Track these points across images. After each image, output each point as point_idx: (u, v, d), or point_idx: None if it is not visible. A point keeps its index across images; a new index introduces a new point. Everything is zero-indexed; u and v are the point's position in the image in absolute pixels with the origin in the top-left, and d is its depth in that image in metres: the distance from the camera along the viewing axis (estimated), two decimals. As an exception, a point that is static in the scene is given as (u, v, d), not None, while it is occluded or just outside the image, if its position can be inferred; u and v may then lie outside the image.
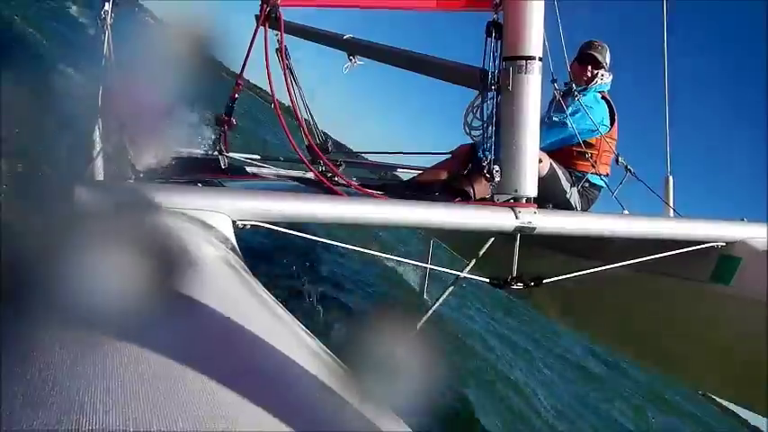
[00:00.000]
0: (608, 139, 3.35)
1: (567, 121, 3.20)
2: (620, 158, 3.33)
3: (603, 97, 3.41)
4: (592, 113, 3.26)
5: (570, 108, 3.23)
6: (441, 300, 2.65)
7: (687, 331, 2.72)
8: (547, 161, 3.09)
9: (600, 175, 3.33)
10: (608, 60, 3.42)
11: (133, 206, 1.41)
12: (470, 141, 2.90)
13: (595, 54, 3.37)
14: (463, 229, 2.28)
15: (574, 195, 3.26)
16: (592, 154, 3.28)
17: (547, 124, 3.15)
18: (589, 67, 3.37)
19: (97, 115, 2.25)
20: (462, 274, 2.48)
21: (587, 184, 3.33)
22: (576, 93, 3.28)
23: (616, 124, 3.43)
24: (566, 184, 3.22)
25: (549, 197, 3.09)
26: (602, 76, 3.38)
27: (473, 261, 2.51)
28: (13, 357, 0.61)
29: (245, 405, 0.68)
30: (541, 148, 2.99)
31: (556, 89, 3.18)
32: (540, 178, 2.57)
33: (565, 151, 3.29)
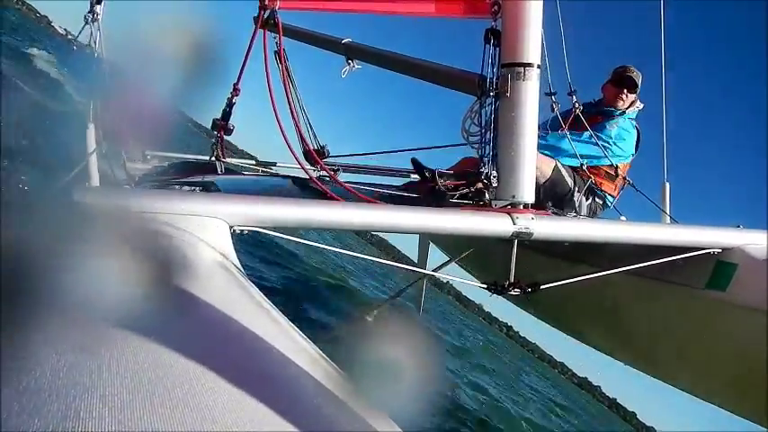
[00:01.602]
0: (628, 167, 3.48)
1: (610, 143, 3.33)
2: (618, 169, 3.39)
3: (636, 126, 3.52)
4: (626, 140, 3.39)
5: (615, 130, 3.37)
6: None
7: (683, 337, 2.72)
8: (551, 164, 3.14)
9: (612, 196, 3.44)
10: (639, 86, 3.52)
11: (129, 212, 1.40)
12: (472, 153, 2.94)
13: (634, 77, 3.44)
14: (460, 235, 2.28)
15: (581, 199, 3.30)
16: (616, 177, 3.38)
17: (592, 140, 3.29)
18: (625, 91, 3.44)
19: (90, 119, 2.24)
20: (459, 280, 2.48)
21: (600, 201, 3.41)
22: (617, 117, 3.43)
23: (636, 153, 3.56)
24: (570, 183, 3.26)
25: (554, 197, 3.13)
26: (638, 105, 3.50)
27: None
28: (9, 364, 0.61)
29: (241, 410, 0.68)
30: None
31: (576, 105, 3.32)
32: (547, 180, 2.66)
33: (590, 168, 3.36)
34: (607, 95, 3.54)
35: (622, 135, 3.40)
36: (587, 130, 3.30)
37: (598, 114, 3.46)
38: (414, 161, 3.20)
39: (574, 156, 3.27)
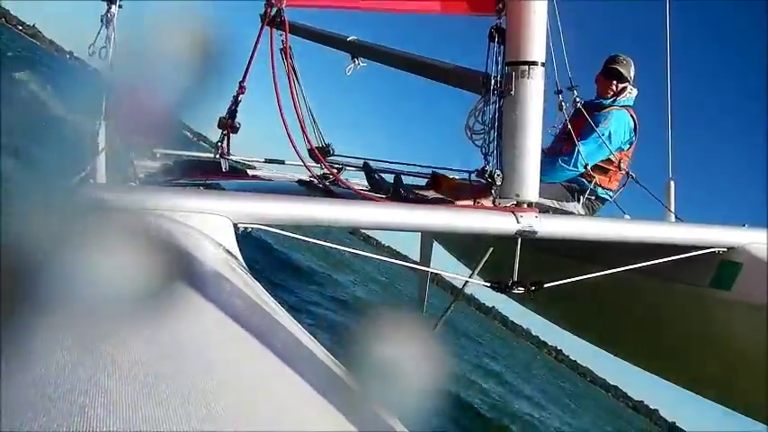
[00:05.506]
0: (626, 157, 3.41)
1: (606, 135, 3.28)
2: (621, 164, 3.35)
3: (630, 113, 3.46)
4: (619, 128, 3.34)
5: (609, 121, 3.32)
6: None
7: (687, 336, 2.72)
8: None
9: (609, 189, 3.37)
10: (632, 75, 3.48)
11: (134, 209, 1.41)
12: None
13: (620, 68, 3.42)
14: (464, 233, 2.28)
15: (578, 209, 3.27)
16: (609, 169, 3.33)
17: (597, 141, 3.25)
18: (614, 82, 3.43)
19: (101, 117, 2.25)
20: (463, 278, 2.48)
21: (593, 197, 3.35)
22: (607, 106, 3.38)
23: (636, 140, 3.48)
24: (569, 207, 3.24)
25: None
26: (630, 90, 3.45)
27: (474, 265, 2.51)
28: (13, 361, 0.61)
29: (245, 407, 0.68)
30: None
31: (577, 100, 3.30)
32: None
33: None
34: (598, 87, 3.53)
35: (613, 125, 3.35)
36: (582, 131, 3.24)
37: (591, 108, 3.42)
38: (365, 165, 3.19)
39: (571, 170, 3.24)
